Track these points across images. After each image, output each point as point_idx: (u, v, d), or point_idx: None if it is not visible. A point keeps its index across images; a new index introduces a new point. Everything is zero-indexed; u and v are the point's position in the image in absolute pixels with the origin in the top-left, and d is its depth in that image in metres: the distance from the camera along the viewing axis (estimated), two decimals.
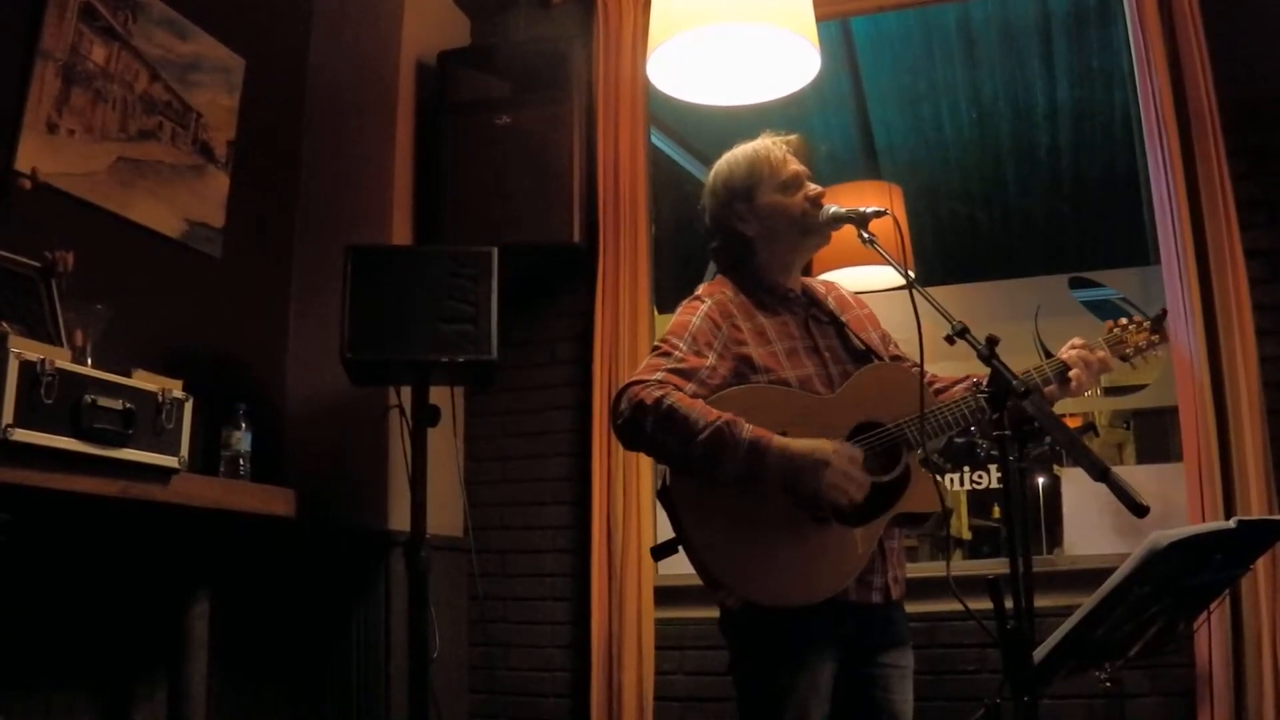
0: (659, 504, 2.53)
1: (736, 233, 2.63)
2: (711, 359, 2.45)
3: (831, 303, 2.72)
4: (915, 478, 2.46)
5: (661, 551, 2.51)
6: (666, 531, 2.49)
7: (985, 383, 2.15)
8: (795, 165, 2.63)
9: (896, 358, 2.72)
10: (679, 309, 2.60)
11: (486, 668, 4.26)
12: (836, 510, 2.34)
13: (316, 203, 4.29)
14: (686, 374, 2.41)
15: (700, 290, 2.64)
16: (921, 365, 2.44)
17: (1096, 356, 2.58)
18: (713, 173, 2.70)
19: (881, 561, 2.47)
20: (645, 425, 2.34)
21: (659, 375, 2.41)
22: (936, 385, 2.68)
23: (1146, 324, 2.72)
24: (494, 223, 4.12)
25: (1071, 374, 2.54)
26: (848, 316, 2.71)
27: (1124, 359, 2.69)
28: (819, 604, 2.36)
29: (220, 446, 3.53)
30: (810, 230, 2.59)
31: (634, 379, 2.43)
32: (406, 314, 3.42)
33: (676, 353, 2.46)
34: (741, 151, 2.67)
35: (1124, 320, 2.74)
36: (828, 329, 2.65)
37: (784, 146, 2.65)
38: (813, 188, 2.61)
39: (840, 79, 5.64)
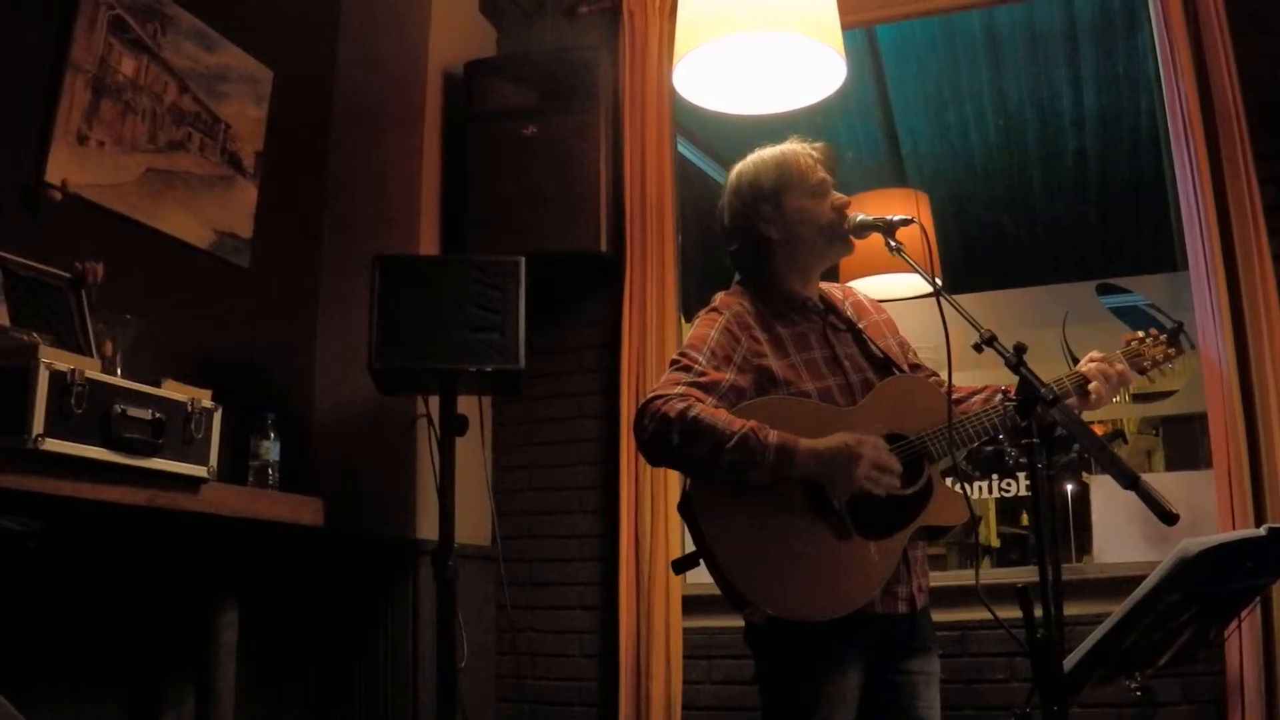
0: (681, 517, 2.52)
1: (759, 235, 2.60)
2: (731, 374, 2.44)
3: (849, 309, 2.70)
4: (937, 490, 2.45)
5: (683, 565, 2.48)
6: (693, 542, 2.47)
7: (1013, 391, 2.14)
8: (822, 172, 2.60)
9: (915, 366, 2.69)
10: (696, 321, 2.59)
11: (514, 677, 4.26)
12: (869, 507, 2.34)
13: (344, 213, 4.31)
14: (708, 388, 2.41)
15: (716, 301, 2.63)
16: (949, 374, 2.43)
17: (1115, 370, 2.54)
18: (736, 173, 2.67)
19: (906, 572, 2.46)
20: (671, 438, 2.33)
21: (680, 389, 2.40)
22: (956, 395, 2.63)
23: (1163, 337, 2.69)
24: (521, 232, 4.13)
25: (1090, 387, 2.51)
26: (865, 323, 2.68)
27: (1141, 372, 2.66)
28: (844, 616, 2.34)
29: (249, 456, 3.56)
30: (835, 237, 2.57)
31: (655, 394, 2.42)
32: (434, 323, 3.43)
33: (697, 366, 2.44)
34: (770, 154, 2.64)
35: (1140, 333, 2.71)
36: (845, 336, 2.62)
37: (812, 153, 2.62)
38: (839, 196, 2.59)
39: (866, 86, 5.64)
